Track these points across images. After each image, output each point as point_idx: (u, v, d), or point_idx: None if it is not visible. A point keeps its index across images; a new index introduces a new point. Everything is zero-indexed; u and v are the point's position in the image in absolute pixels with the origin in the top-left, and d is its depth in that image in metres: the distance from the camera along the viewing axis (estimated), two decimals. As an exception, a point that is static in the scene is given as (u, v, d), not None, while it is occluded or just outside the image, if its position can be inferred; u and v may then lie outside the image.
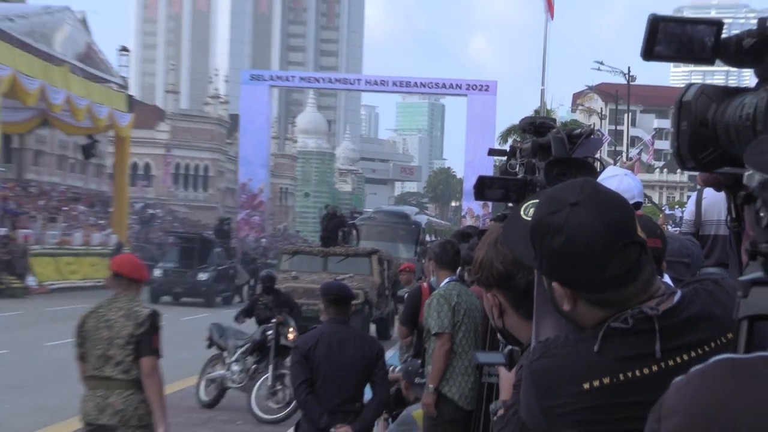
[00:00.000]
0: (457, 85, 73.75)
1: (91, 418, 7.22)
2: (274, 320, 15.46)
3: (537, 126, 3.98)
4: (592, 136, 3.80)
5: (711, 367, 1.62)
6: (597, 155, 4.02)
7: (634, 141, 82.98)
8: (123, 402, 7.14)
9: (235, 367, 15.59)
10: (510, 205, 4.10)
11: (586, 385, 2.13)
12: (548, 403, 2.19)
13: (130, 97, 54.78)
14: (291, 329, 15.58)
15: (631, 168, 64.28)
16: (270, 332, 15.35)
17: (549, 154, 3.64)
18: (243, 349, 15.57)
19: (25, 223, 46.61)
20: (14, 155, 72.29)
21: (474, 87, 71.89)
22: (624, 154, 71.80)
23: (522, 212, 2.50)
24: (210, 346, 16.10)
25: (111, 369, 7.18)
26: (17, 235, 42.40)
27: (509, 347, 2.93)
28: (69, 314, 31.31)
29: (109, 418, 7.14)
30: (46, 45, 44.29)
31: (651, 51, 1.86)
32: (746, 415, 1.53)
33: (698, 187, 6.92)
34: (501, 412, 2.81)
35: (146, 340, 7.22)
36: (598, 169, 3.97)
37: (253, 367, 15.48)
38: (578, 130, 3.82)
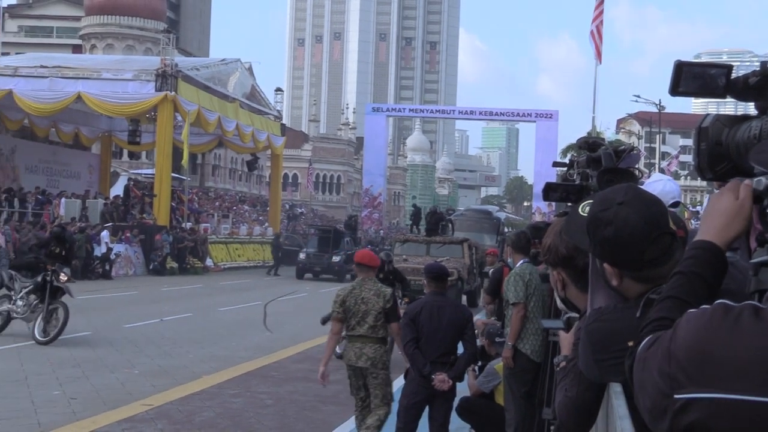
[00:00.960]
0: (528, 113, 73.16)
1: (351, 362, 8.11)
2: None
3: (590, 144, 4.00)
4: (632, 152, 3.85)
5: (707, 310, 1.61)
6: (636, 166, 3.99)
7: (664, 155, 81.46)
8: (373, 352, 8.02)
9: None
10: (569, 204, 4.03)
11: (630, 343, 2.08)
12: (600, 356, 2.25)
13: (282, 125, 55.21)
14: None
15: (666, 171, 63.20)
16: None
17: (600, 165, 3.65)
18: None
19: (205, 219, 47.33)
20: (198, 168, 73.60)
21: (541, 115, 71.28)
22: (656, 166, 70.55)
23: (580, 209, 2.57)
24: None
25: (365, 330, 8.02)
26: (199, 227, 43.04)
27: (566, 315, 3.01)
28: (237, 287, 31.90)
29: (363, 362, 8.03)
30: (222, 87, 44.80)
31: (676, 89, 1.88)
32: (726, 349, 1.52)
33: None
34: (563, 364, 2.85)
35: (392, 311, 8.11)
36: (639, 177, 3.94)
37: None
38: (622, 147, 3.85)
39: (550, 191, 3.84)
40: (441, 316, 7.78)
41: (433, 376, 7.63)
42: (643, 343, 1.76)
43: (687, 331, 1.60)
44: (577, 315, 2.94)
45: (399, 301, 14.78)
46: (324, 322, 12.69)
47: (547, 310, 7.77)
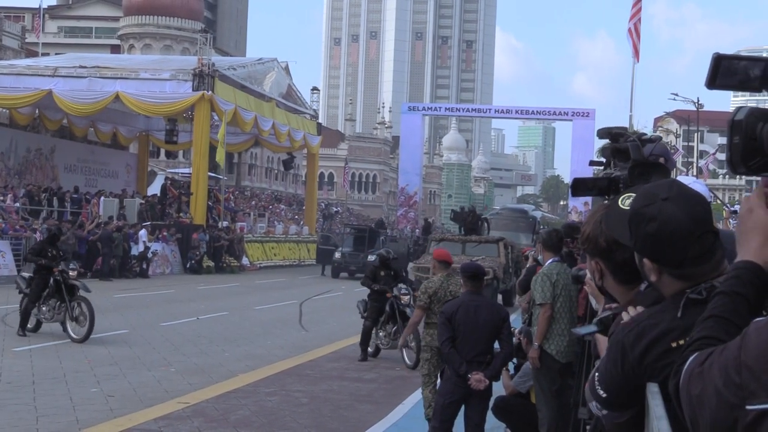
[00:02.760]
0: (564, 112, 72.65)
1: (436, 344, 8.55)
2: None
3: (612, 134, 3.91)
4: (660, 141, 3.76)
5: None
6: (663, 156, 3.91)
7: (702, 154, 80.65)
8: None
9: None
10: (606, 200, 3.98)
11: (674, 344, 2.12)
12: (645, 358, 2.18)
13: (318, 124, 55.32)
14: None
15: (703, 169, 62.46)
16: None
17: (624, 156, 3.58)
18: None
19: (241, 218, 47.54)
20: (234, 168, 73.97)
21: (577, 114, 70.77)
22: (694, 165, 69.92)
23: (620, 202, 2.53)
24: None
25: None
26: (236, 226, 43.25)
27: (597, 318, 2.95)
28: (272, 286, 31.98)
29: None
30: (259, 87, 44.95)
31: (713, 82, 1.86)
32: None
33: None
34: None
35: None
36: (671, 169, 3.88)
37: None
38: (647, 136, 3.76)
39: (578, 186, 3.79)
40: (477, 315, 7.75)
41: (469, 376, 7.61)
42: (691, 359, 1.74)
43: (760, 340, 1.57)
44: (609, 315, 2.90)
45: (410, 296, 14.59)
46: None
47: (574, 311, 7.73)
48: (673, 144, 77.65)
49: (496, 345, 7.93)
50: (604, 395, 2.28)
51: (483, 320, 7.75)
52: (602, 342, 2.96)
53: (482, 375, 7.62)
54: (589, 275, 2.93)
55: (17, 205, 33.01)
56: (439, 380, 8.34)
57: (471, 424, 7.82)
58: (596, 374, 2.33)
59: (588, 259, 2.89)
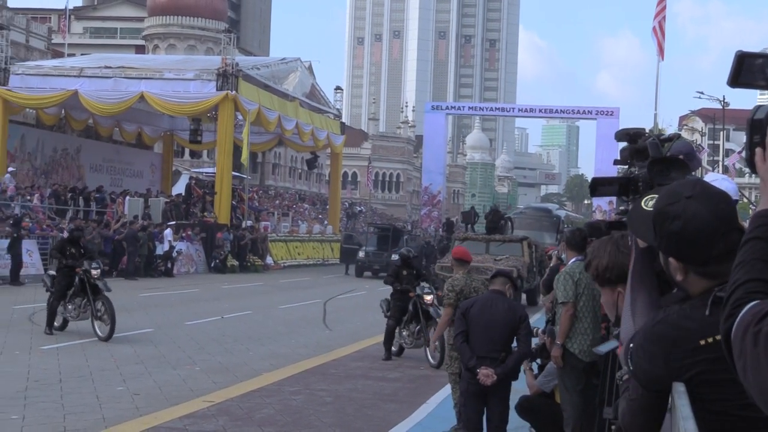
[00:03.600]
0: (588, 111, 72.28)
1: None
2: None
3: (631, 135, 3.89)
4: (679, 138, 3.72)
5: None
6: (687, 155, 3.88)
7: (728, 153, 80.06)
8: None
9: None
10: (625, 199, 3.96)
11: (702, 342, 2.13)
12: (672, 357, 2.18)
13: (342, 123, 55.34)
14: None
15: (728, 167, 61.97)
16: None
17: (643, 156, 3.56)
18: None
19: (265, 217, 47.66)
20: (258, 167, 74.17)
21: (601, 112, 70.38)
22: (720, 163, 69.48)
23: (642, 203, 2.53)
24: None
25: None
26: (259, 225, 43.37)
27: (618, 331, 2.92)
28: (296, 285, 32.03)
29: None
30: (282, 86, 45.04)
31: (736, 79, 1.85)
32: None
33: None
34: (627, 377, 2.78)
35: None
36: (695, 167, 3.85)
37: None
38: (666, 135, 3.74)
39: (597, 186, 3.77)
40: (493, 313, 7.79)
41: (477, 370, 7.63)
42: (746, 309, 1.71)
43: None
44: None
45: (433, 295, 14.62)
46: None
47: (598, 309, 7.70)
48: (698, 143, 77.21)
49: (515, 345, 7.95)
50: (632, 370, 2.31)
51: (499, 318, 7.79)
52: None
53: (491, 371, 7.62)
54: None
55: (44, 204, 33.29)
56: None
57: (491, 427, 7.84)
58: (631, 345, 2.34)
59: (606, 292, 2.86)
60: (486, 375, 7.60)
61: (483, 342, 7.73)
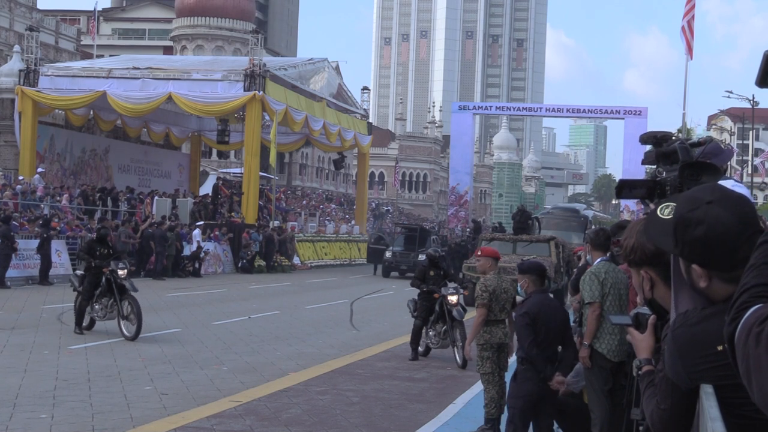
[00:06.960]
0: (616, 110, 71.92)
1: (500, 340, 9.63)
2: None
3: (657, 138, 3.83)
4: (712, 142, 3.67)
5: None
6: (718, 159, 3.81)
7: (757, 152, 79.41)
8: (506, 329, 9.75)
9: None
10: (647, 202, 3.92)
11: (720, 347, 2.10)
12: (689, 361, 2.19)
13: (369, 123, 55.37)
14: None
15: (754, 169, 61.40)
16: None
17: (670, 161, 3.51)
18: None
19: (293, 217, 47.79)
20: (285, 167, 74.38)
21: (629, 112, 70.03)
22: (749, 163, 68.89)
23: (658, 212, 2.48)
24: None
25: (503, 314, 9.75)
26: (287, 226, 43.47)
27: (635, 311, 2.96)
28: (323, 285, 32.09)
29: (504, 338, 9.67)
30: (309, 87, 45.14)
31: (765, 80, 1.86)
32: None
33: None
34: (646, 368, 2.78)
35: (514, 300, 9.71)
36: (724, 171, 3.80)
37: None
38: (694, 140, 3.68)
39: (623, 189, 3.73)
40: (555, 316, 7.94)
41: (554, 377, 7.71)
42: (750, 312, 1.70)
43: None
44: (647, 312, 2.90)
45: (459, 296, 14.62)
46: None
47: (625, 309, 7.66)
48: (727, 142, 76.55)
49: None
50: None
51: (557, 321, 7.93)
52: (640, 340, 2.94)
53: (563, 378, 7.67)
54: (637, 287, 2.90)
55: (72, 205, 33.54)
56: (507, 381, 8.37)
57: None
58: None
59: (634, 273, 2.85)
60: (560, 382, 7.67)
61: (546, 345, 7.85)
